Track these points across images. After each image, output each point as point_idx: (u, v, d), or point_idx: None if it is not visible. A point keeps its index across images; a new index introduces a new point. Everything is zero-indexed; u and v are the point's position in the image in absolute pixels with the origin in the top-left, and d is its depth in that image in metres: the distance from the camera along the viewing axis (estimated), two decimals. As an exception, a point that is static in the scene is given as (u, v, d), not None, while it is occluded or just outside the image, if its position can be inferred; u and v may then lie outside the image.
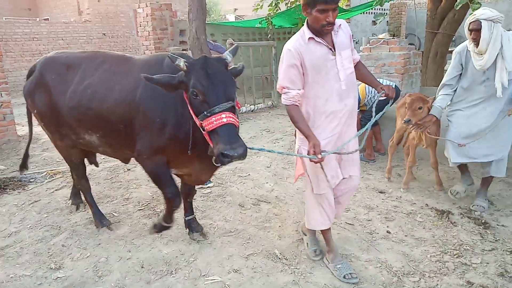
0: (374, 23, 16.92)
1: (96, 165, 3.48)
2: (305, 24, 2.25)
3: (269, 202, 3.54)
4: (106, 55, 2.78)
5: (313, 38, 2.18)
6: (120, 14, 16.61)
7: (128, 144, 2.53)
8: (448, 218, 3.14)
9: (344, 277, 2.39)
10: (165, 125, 2.32)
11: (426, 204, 3.44)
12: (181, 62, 2.01)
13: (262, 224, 3.14)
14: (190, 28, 5.66)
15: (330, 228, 2.55)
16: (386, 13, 11.31)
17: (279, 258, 2.64)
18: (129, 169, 4.47)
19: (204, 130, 1.99)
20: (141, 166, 2.62)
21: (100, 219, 3.10)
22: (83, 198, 3.33)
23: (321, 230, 2.58)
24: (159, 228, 2.75)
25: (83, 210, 3.43)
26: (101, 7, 16.10)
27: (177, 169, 2.56)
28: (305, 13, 2.17)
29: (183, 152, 2.31)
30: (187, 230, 2.93)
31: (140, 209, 3.45)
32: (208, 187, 3.87)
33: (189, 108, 2.07)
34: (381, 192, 3.77)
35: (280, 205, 3.50)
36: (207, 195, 3.72)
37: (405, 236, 2.93)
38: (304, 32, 2.21)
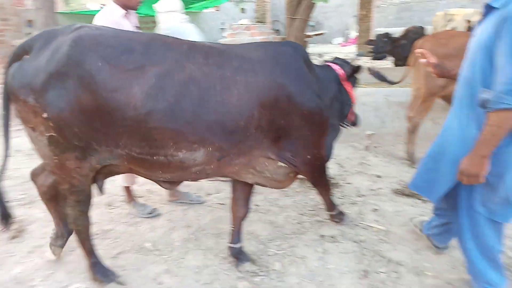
0: (242, 10, 17.53)
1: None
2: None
3: (142, 196, 3.44)
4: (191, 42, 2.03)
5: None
6: None
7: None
8: (306, 184, 3.50)
9: (149, 214, 3.02)
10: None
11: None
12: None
13: (133, 219, 3.04)
14: (38, 17, 5.02)
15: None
16: (243, 1, 11.63)
17: (151, 250, 2.60)
18: None
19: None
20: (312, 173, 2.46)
21: (104, 272, 2.29)
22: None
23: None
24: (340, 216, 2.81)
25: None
26: None
27: None
28: None
29: None
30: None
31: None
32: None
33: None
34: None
35: (151, 197, 3.43)
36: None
37: (271, 206, 3.18)
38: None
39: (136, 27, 2.86)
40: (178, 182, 2.31)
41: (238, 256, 2.44)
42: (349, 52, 13.41)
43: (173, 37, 1.98)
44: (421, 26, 6.75)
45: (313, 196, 3.27)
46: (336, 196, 3.27)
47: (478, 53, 1.70)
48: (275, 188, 2.46)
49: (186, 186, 3.56)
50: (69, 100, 1.76)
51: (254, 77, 1.98)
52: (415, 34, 5.26)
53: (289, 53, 2.19)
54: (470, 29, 5.67)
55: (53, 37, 1.83)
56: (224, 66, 1.94)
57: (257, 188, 3.49)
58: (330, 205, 2.76)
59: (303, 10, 6.06)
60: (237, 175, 2.23)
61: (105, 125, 1.81)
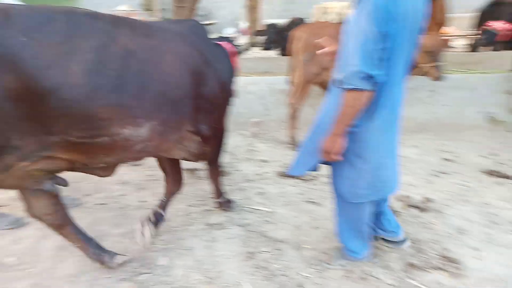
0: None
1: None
2: None
3: (6, 206, 2.98)
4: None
5: None
6: None
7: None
8: (196, 174, 3.46)
9: (13, 224, 2.65)
10: None
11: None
12: None
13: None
14: None
15: None
16: None
17: (13, 266, 2.27)
18: None
19: None
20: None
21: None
22: None
23: None
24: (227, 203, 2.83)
25: None
26: None
27: None
28: None
29: None
30: None
31: None
32: None
33: None
34: (136, 165, 3.79)
35: (16, 204, 3.00)
36: None
37: (158, 201, 3.05)
38: None
39: None
40: (114, 167, 2.14)
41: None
42: (240, 42, 13.61)
43: (90, 10, 1.77)
44: (302, 18, 7.19)
45: (202, 186, 3.25)
46: (226, 183, 3.30)
47: (345, 38, 1.76)
48: (193, 161, 2.44)
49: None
50: None
51: (180, 47, 2.02)
52: (297, 25, 5.58)
53: (199, 26, 2.33)
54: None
55: None
56: (151, 36, 1.91)
57: (142, 183, 3.36)
58: (219, 191, 2.80)
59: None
60: (168, 152, 2.18)
61: (35, 110, 1.54)
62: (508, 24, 5.08)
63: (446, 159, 3.77)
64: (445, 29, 7.99)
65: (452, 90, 4.51)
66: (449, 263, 2.21)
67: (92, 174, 2.04)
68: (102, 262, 2.18)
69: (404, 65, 1.75)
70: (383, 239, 2.37)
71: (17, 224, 2.68)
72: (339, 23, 5.04)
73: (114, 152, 1.86)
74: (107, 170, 2.10)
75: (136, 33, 1.83)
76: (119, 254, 2.24)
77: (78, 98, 1.59)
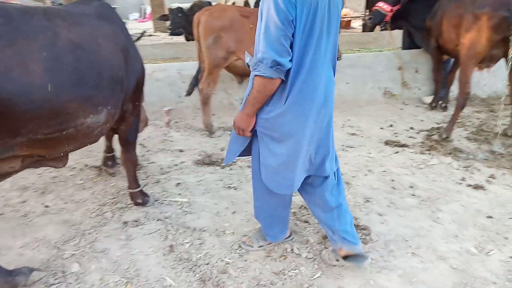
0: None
1: None
2: None
3: None
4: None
5: None
6: None
7: None
8: (105, 172, 3.24)
9: None
10: None
11: (86, 164, 3.41)
12: None
13: None
14: None
15: None
16: None
17: None
18: None
19: None
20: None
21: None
22: None
23: None
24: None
25: None
26: None
27: None
28: None
29: None
30: None
31: None
32: None
33: None
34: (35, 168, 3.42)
35: None
36: None
37: (65, 203, 2.80)
38: None
39: None
40: (67, 156, 2.22)
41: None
42: (147, 28, 12.99)
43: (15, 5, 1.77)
44: (208, 1, 7.05)
45: (114, 183, 3.07)
46: (140, 177, 3.15)
47: (258, 22, 1.72)
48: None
49: None
50: None
51: (107, 28, 2.12)
52: (200, 9, 5.44)
53: (106, 5, 2.33)
54: (246, 4, 6.26)
55: None
56: (82, 24, 1.97)
57: (46, 186, 3.05)
58: (135, 181, 2.70)
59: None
60: (115, 131, 2.52)
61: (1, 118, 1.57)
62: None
63: (351, 134, 4.09)
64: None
65: (351, 68, 4.86)
66: (360, 230, 2.41)
67: (46, 166, 2.15)
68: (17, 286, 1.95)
69: (325, 51, 1.71)
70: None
71: None
72: (238, 7, 5.07)
73: (76, 141, 1.99)
74: (62, 160, 2.17)
75: (69, 23, 1.88)
76: (36, 270, 2.03)
77: (46, 97, 1.66)
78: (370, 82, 4.93)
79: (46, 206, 2.76)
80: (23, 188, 3.03)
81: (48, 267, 2.13)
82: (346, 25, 10.49)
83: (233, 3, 6.95)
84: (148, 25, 13.45)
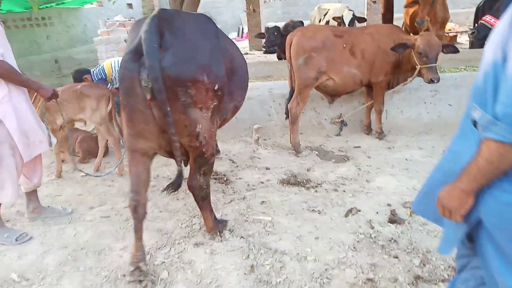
0: (129, 6, 16.57)
1: None
2: None
3: (8, 220, 3.00)
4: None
5: None
6: None
7: None
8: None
9: (16, 239, 2.66)
10: None
11: (157, 174, 3.67)
12: None
13: (-4, 249, 2.63)
14: None
15: None
16: None
17: (17, 282, 2.28)
18: None
19: None
20: None
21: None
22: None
23: None
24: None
25: None
26: None
27: None
28: None
29: None
30: None
31: None
32: None
33: None
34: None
35: (20, 219, 3.02)
36: None
37: (160, 212, 3.04)
38: None
39: None
40: None
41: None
42: (243, 46, 13.70)
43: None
44: (300, 21, 7.15)
45: (204, 196, 3.23)
46: (228, 193, 3.28)
47: (491, 54, 1.13)
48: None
49: (66, 202, 3.24)
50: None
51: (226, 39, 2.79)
52: (293, 28, 5.54)
53: (210, 19, 2.58)
54: (340, 23, 6.18)
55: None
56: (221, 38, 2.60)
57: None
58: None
59: (187, 5, 5.93)
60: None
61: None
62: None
63: (452, 161, 3.70)
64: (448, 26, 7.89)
65: (455, 89, 4.43)
66: (456, 272, 2.15)
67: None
68: None
69: None
70: None
71: (23, 239, 2.69)
72: (335, 26, 5.01)
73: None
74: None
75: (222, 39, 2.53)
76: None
77: None
78: (477, 104, 4.43)
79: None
80: (127, 195, 3.38)
81: (141, 271, 2.31)
82: (451, 40, 9.65)
83: (327, 22, 6.92)
84: (245, 44, 14.16)
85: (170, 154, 2.32)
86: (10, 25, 10.34)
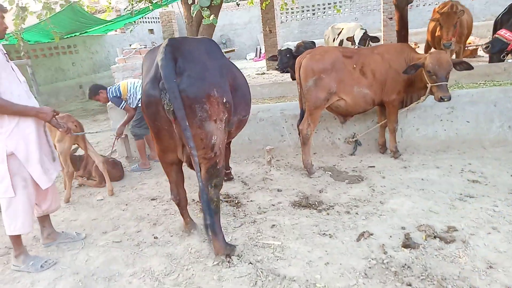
0: (150, 31, 17.16)
1: None
2: None
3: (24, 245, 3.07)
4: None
5: None
6: None
7: None
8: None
9: (42, 266, 2.70)
10: None
11: (193, 199, 3.68)
12: None
13: (10, 275, 2.69)
14: None
15: None
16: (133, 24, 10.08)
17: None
18: None
19: None
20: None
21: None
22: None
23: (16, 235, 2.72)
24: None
25: None
26: None
27: None
28: None
29: None
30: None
31: None
32: None
33: None
34: (153, 199, 3.83)
35: (37, 245, 3.09)
36: None
37: (171, 236, 3.05)
38: None
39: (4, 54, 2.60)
40: None
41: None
42: (261, 66, 13.94)
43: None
44: (312, 41, 7.20)
45: (215, 220, 3.22)
46: (238, 216, 3.26)
47: None
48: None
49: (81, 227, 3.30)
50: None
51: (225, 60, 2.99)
52: (305, 49, 5.59)
53: (213, 42, 2.93)
54: (353, 43, 6.18)
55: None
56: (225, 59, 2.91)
57: (157, 218, 3.38)
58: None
59: (203, 30, 6.11)
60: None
61: None
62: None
63: (472, 181, 3.55)
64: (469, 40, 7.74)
65: (472, 105, 4.31)
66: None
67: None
68: None
69: None
70: None
71: (47, 266, 2.74)
72: (344, 47, 5.00)
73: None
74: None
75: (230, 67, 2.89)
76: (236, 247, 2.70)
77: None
78: (497, 121, 4.28)
79: (155, 238, 3.04)
80: (140, 219, 3.42)
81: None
82: (471, 54, 9.45)
83: (341, 42, 6.93)
84: (262, 64, 14.40)
85: (191, 166, 2.73)
86: (38, 54, 11.12)
